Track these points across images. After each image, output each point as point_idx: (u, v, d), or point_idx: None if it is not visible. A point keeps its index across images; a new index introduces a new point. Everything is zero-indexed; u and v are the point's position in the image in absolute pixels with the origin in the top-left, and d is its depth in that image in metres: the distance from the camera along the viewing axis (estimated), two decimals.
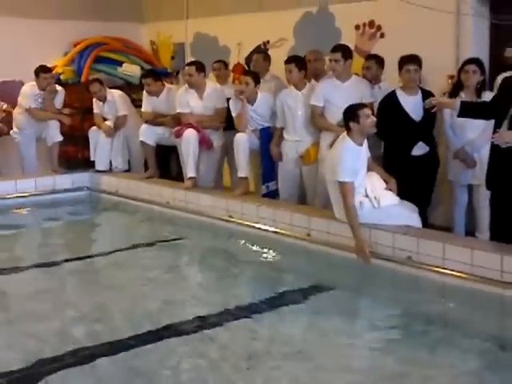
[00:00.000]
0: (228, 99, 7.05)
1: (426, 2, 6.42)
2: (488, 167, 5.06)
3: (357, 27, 7.44)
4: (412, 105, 5.99)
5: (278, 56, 7.60)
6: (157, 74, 7.89)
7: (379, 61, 6.61)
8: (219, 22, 8.97)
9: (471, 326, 4.44)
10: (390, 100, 6.05)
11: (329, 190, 5.46)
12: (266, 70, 7.45)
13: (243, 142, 6.67)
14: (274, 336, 4.26)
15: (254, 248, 6.04)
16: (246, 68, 7.82)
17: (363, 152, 5.33)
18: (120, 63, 9.51)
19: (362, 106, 5.39)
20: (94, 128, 8.11)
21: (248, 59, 7.71)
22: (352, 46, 6.82)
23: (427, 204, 6.08)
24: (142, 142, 7.63)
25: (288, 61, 6.64)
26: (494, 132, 4.80)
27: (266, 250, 5.97)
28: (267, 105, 6.76)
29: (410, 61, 5.88)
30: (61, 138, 8.19)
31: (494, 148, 4.87)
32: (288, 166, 6.65)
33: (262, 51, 7.73)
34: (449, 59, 6.51)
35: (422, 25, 6.62)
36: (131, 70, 9.40)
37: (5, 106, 8.31)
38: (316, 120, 6.38)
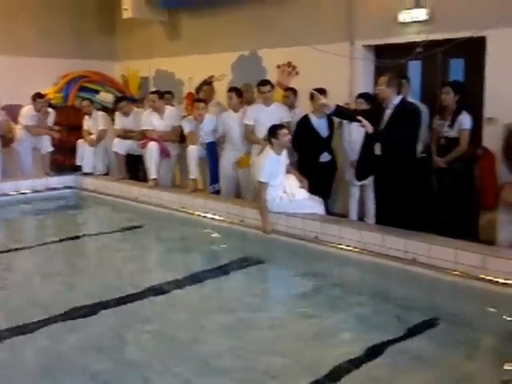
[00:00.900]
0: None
1: (329, 49, 6.55)
2: (357, 164, 5.32)
3: (278, 66, 7.52)
4: (320, 125, 6.11)
5: (220, 87, 7.64)
6: (128, 100, 7.86)
7: (294, 92, 6.69)
8: (175, 61, 8.93)
9: (359, 286, 4.57)
10: (305, 121, 6.15)
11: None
12: (212, 97, 7.44)
13: (194, 152, 6.67)
14: (214, 295, 4.33)
15: (202, 232, 6.03)
16: (196, 96, 7.79)
17: (282, 160, 5.39)
18: (97, 92, 9.43)
19: (281, 126, 5.44)
20: (81, 140, 7.99)
21: (197, 89, 7.68)
22: (274, 81, 6.91)
23: (328, 197, 6.19)
24: (114, 152, 7.55)
25: (230, 90, 6.70)
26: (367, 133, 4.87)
27: (210, 233, 5.97)
28: (212, 124, 6.76)
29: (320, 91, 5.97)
30: (52, 149, 8.08)
31: (365, 151, 5.02)
32: (227, 169, 6.69)
33: (208, 83, 7.72)
34: (344, 91, 6.63)
35: (326, 66, 6.72)
36: (106, 97, 9.35)
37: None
38: (248, 135, 6.43)
